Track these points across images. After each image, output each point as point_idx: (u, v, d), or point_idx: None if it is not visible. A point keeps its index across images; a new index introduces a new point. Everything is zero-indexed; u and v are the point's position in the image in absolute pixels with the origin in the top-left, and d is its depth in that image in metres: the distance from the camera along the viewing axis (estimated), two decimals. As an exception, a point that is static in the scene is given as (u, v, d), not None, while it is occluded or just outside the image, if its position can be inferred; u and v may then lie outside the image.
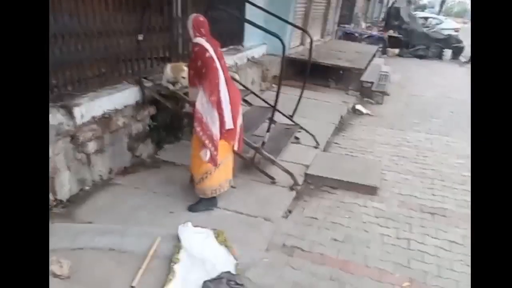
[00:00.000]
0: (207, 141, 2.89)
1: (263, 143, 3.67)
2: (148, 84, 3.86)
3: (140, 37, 3.68)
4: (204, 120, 2.86)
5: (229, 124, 3.00)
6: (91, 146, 3.23)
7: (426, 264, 2.80)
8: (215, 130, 2.88)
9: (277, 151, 3.98)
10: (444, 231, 3.25)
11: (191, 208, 3.15)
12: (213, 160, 2.94)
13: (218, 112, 2.89)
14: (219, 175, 3.12)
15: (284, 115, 4.68)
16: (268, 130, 3.70)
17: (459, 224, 3.35)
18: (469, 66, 12.50)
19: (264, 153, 3.66)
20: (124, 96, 3.61)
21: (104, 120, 3.34)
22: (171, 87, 3.77)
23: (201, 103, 2.86)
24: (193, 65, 2.99)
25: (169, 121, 4.24)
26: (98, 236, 2.57)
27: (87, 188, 3.29)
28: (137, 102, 3.76)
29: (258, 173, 3.70)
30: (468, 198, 3.82)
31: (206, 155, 2.90)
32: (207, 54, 2.89)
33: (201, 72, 2.90)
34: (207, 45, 2.93)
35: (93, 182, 3.36)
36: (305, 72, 4.79)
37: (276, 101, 3.61)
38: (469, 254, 2.93)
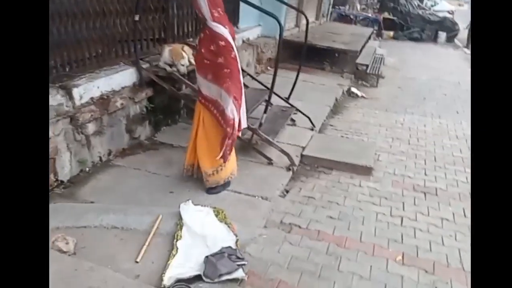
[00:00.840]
0: (227, 147, 2.84)
1: (260, 124, 3.73)
2: (145, 65, 3.87)
3: (137, 18, 3.67)
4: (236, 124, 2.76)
5: (244, 124, 2.95)
6: (90, 128, 3.26)
7: (418, 239, 2.91)
8: (235, 133, 2.83)
9: (274, 132, 4.04)
10: (435, 209, 3.36)
11: (210, 191, 3.13)
12: (224, 157, 2.92)
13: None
14: (231, 164, 3.17)
15: (280, 97, 4.72)
16: (265, 112, 3.75)
17: (450, 202, 3.46)
18: (463, 50, 12.56)
19: (261, 134, 3.71)
20: (121, 77, 3.62)
21: (102, 101, 3.36)
22: (168, 68, 3.79)
23: (230, 107, 2.68)
24: (209, 55, 2.72)
25: (167, 103, 4.26)
26: (101, 215, 2.63)
27: (87, 169, 3.33)
28: (134, 84, 3.77)
29: (256, 154, 3.76)
30: (459, 177, 3.94)
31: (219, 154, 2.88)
32: (233, 54, 2.65)
33: (221, 70, 2.68)
34: (232, 40, 2.65)
35: (92, 163, 3.40)
36: (301, 54, 4.82)
37: (273, 82, 3.65)
38: (459, 230, 3.06)
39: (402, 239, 2.90)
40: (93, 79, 3.32)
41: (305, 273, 2.43)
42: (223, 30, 2.65)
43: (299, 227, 2.92)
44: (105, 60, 3.63)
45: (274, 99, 4.47)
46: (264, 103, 3.97)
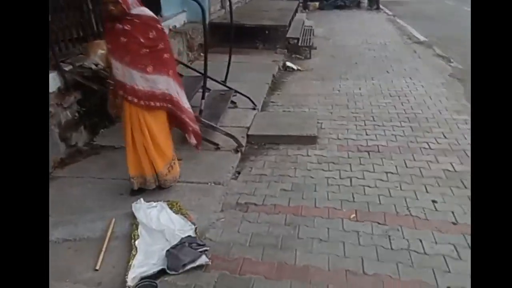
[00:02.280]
0: (190, 128, 3.00)
1: (201, 111, 3.68)
2: (67, 67, 3.64)
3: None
4: (187, 108, 2.87)
5: None
6: (20, 142, 3.03)
7: (368, 196, 3.07)
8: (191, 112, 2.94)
9: (216, 117, 4.01)
10: (379, 164, 3.55)
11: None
12: (199, 137, 3.09)
13: None
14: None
15: (217, 81, 4.67)
16: (203, 98, 3.70)
17: (392, 156, 3.68)
18: (386, 11, 13.16)
19: (204, 121, 3.67)
20: (44, 84, 3.38)
21: (28, 112, 3.13)
22: (94, 67, 3.60)
23: (181, 95, 2.78)
24: (150, 43, 2.53)
25: (100, 104, 4.05)
26: (49, 230, 2.48)
27: (24, 186, 3.11)
28: (59, 88, 3.54)
29: (201, 142, 3.72)
30: (397, 132, 4.18)
31: (191, 138, 3.02)
32: (167, 36, 2.63)
33: (162, 56, 2.59)
34: None
35: (30, 179, 3.18)
36: (230, 35, 4.79)
37: (205, 67, 3.61)
38: (403, 180, 3.27)
39: (353, 198, 3.04)
40: (13, 89, 3.07)
41: (267, 246, 2.48)
42: (148, 11, 2.56)
43: (255, 204, 2.96)
44: (23, 68, 3.36)
45: (212, 84, 4.43)
46: (201, 90, 3.92)
